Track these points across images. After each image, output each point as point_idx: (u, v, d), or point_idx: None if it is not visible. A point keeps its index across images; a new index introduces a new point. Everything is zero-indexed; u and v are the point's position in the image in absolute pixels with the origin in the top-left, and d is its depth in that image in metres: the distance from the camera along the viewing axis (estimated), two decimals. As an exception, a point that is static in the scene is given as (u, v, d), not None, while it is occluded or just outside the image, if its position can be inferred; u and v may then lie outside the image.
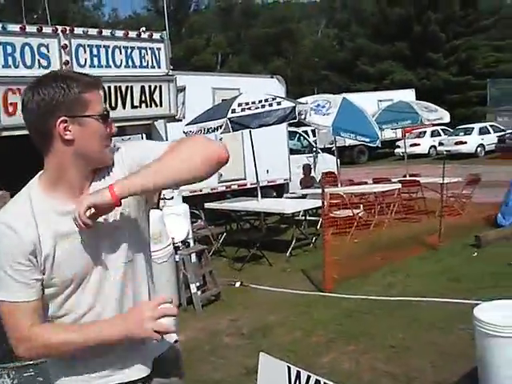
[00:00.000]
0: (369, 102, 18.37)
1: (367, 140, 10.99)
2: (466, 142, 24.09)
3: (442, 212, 8.80)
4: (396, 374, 4.46)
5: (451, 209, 11.14)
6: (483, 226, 9.42)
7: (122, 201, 1.62)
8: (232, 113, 8.38)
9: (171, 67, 6.92)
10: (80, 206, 1.58)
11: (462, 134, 24.82)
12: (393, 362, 4.70)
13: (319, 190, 8.23)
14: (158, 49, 6.73)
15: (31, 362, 3.08)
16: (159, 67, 6.77)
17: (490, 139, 24.31)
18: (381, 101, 21.53)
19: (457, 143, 24.26)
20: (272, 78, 12.97)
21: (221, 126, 8.28)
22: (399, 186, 11.08)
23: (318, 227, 9.80)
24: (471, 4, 36.34)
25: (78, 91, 1.62)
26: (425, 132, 26.30)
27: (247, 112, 8.40)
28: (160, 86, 6.66)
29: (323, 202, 7.25)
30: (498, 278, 6.54)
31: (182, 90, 7.04)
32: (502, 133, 24.17)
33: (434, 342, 4.97)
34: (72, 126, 1.63)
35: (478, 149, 24.20)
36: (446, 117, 13.24)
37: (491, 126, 25.73)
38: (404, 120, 12.84)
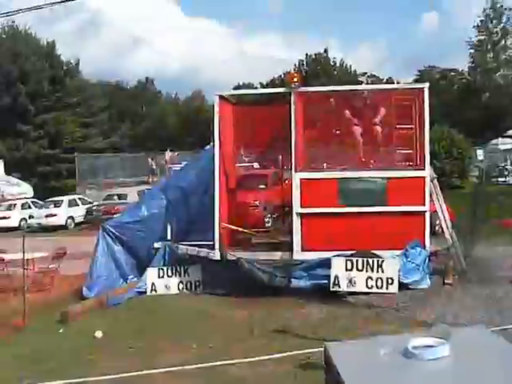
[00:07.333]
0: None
1: None
2: (56, 215, 24.31)
3: (24, 290, 8.46)
4: None
5: (41, 284, 10.92)
6: (71, 300, 9.46)
7: None
8: None
9: None
10: None
11: (52, 206, 25.02)
12: None
13: None
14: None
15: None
16: None
17: (79, 211, 25.11)
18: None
19: (47, 216, 24.26)
20: None
21: None
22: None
23: None
24: (59, 81, 37.69)
25: None
26: (15, 205, 25.47)
27: None
28: None
29: None
30: (84, 353, 6.66)
31: None
32: (90, 205, 25.34)
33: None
34: None
35: (68, 220, 24.64)
36: (30, 191, 13.17)
37: (79, 198, 26.62)
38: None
